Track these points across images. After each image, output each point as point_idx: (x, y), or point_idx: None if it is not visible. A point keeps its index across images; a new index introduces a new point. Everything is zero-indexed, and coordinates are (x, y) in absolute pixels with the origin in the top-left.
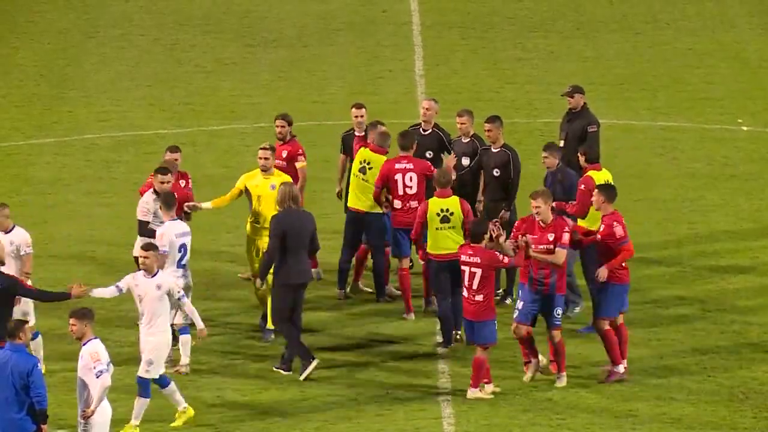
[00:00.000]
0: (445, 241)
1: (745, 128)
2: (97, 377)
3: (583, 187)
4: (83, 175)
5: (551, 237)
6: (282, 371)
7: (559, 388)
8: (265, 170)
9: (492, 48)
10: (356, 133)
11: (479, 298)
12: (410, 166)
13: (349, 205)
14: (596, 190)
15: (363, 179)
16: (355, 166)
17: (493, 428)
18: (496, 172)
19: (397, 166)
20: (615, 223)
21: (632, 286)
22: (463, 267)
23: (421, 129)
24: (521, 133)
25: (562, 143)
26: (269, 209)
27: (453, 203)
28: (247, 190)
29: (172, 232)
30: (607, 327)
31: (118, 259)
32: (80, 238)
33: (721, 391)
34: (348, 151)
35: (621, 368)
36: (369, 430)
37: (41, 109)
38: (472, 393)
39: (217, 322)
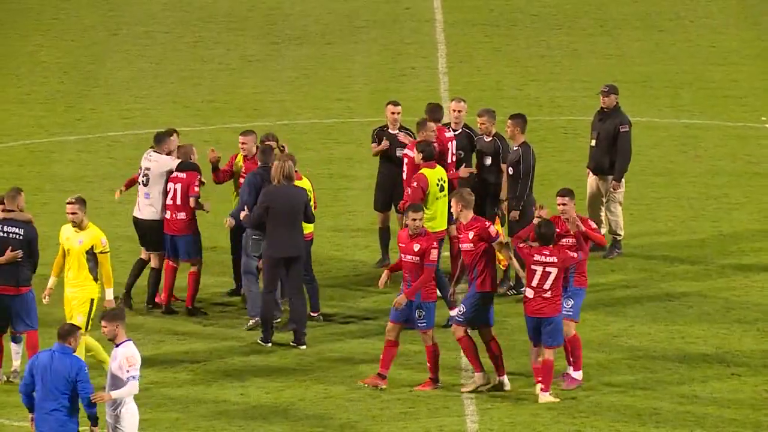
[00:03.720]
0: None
1: None
2: (127, 381)
3: (416, 184)
4: (106, 173)
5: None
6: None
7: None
8: (75, 224)
9: (515, 45)
10: (390, 131)
11: (548, 295)
12: (451, 134)
13: None
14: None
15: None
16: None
17: (517, 426)
18: (510, 170)
19: (447, 134)
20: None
21: (655, 284)
22: (534, 267)
23: (451, 129)
24: (544, 130)
25: (593, 143)
26: (76, 265)
27: (306, 186)
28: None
29: None
30: (573, 331)
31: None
32: None
33: (744, 389)
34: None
35: (580, 375)
36: (392, 428)
37: (65, 107)
38: (544, 397)
39: (240, 319)
